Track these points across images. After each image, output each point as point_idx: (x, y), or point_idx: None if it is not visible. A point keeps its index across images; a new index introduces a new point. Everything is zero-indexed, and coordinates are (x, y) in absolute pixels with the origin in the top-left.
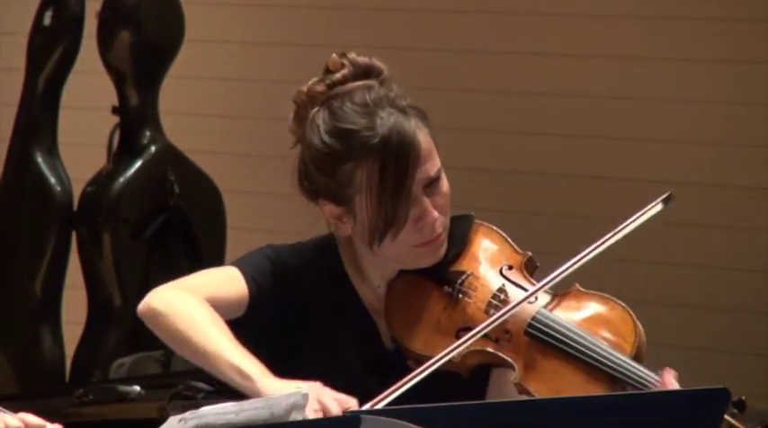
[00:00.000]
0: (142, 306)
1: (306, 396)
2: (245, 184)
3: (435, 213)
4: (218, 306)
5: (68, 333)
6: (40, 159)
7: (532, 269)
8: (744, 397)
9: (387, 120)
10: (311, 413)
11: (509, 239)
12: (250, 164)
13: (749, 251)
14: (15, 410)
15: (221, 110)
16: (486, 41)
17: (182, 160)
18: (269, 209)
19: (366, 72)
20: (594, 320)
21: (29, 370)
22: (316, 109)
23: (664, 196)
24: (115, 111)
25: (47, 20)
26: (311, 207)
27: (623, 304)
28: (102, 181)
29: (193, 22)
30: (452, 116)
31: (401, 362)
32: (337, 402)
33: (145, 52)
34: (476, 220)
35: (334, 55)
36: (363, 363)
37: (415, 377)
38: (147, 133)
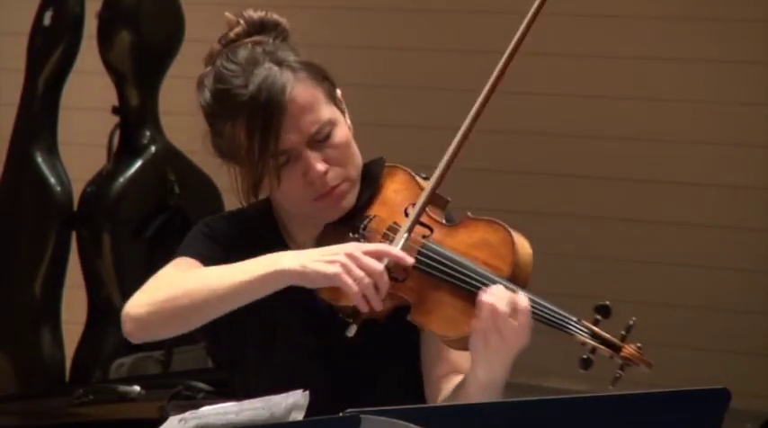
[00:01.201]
0: (130, 328)
1: (306, 396)
2: None
3: (319, 166)
4: None
5: (68, 333)
6: (40, 159)
7: (442, 204)
8: (608, 302)
9: (258, 76)
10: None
11: (416, 176)
12: None
13: (749, 251)
14: (15, 410)
15: None
16: (486, 41)
17: (182, 160)
18: None
19: (260, 27)
20: (476, 245)
21: (29, 369)
22: (208, 69)
23: None
24: (115, 111)
25: (47, 20)
26: None
27: (506, 226)
28: (102, 181)
29: (193, 22)
30: (452, 116)
31: (335, 316)
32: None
33: (145, 52)
34: (387, 163)
35: (227, 13)
36: (300, 320)
37: None
38: (147, 133)
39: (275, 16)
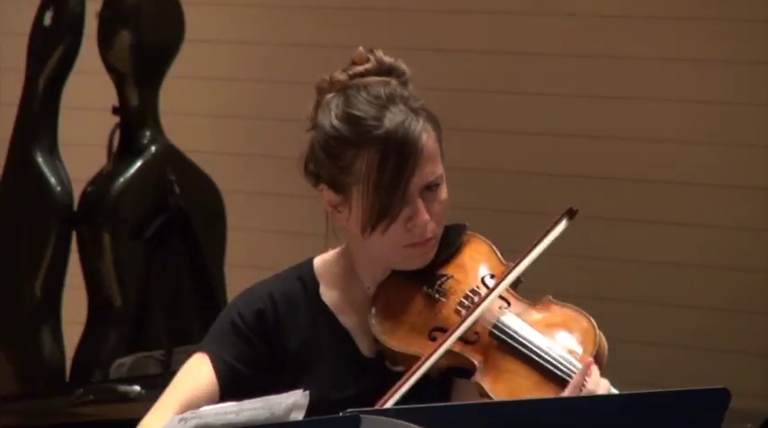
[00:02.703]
0: None
1: (306, 396)
2: (245, 184)
3: (426, 216)
4: (194, 405)
5: (68, 333)
6: (40, 159)
7: (516, 281)
8: None
9: (396, 115)
10: None
11: (497, 252)
12: (250, 164)
13: (749, 251)
14: (16, 410)
15: (221, 110)
16: (486, 41)
17: (182, 160)
18: (269, 209)
19: (389, 71)
20: (557, 327)
21: (29, 370)
22: (332, 94)
23: (566, 211)
24: (115, 111)
25: (47, 20)
26: (311, 208)
27: (589, 316)
28: (102, 181)
29: (193, 22)
30: (452, 116)
31: (380, 366)
32: None
33: (145, 52)
34: (468, 232)
35: (361, 48)
36: (343, 375)
37: (408, 379)
38: (147, 133)
39: (403, 65)
